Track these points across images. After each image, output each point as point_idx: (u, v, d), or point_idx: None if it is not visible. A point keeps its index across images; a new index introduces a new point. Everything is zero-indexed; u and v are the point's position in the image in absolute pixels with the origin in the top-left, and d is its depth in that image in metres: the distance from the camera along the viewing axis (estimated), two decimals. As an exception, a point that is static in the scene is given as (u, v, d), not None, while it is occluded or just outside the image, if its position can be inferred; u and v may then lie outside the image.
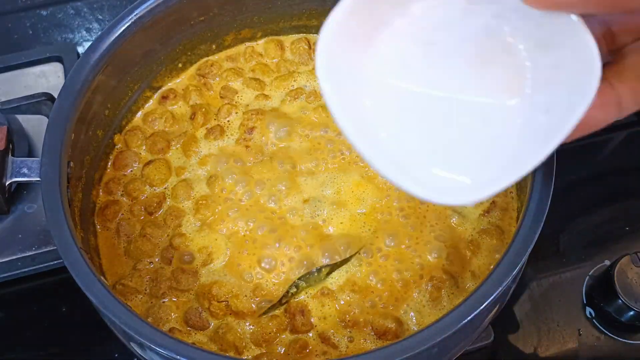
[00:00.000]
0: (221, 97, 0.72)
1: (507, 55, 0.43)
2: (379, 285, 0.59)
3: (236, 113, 0.70)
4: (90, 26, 0.94)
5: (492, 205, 0.62)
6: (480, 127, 0.43)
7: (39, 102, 0.74)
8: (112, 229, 0.64)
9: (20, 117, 0.76)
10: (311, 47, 0.75)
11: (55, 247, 0.51)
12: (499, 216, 0.62)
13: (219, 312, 0.58)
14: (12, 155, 0.59)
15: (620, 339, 0.68)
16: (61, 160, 0.55)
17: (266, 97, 0.71)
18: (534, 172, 0.52)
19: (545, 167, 0.52)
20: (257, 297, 0.59)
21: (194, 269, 0.60)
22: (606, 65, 0.41)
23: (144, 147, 0.68)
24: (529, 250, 0.49)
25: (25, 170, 0.57)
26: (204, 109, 0.69)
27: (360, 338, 0.57)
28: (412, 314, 0.57)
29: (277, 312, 0.58)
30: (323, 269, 0.59)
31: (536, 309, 0.70)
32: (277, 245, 0.61)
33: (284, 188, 0.64)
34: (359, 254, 0.60)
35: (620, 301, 0.65)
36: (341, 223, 0.62)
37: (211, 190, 0.64)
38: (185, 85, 0.73)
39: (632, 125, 0.82)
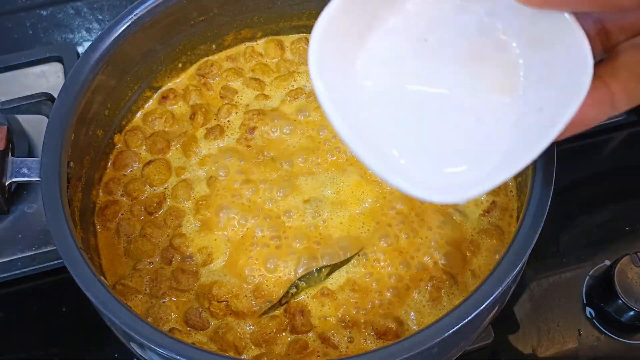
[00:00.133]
0: (221, 97, 0.72)
1: (500, 53, 0.43)
2: (378, 286, 0.59)
3: (236, 113, 0.70)
4: (90, 26, 0.94)
5: (492, 205, 0.62)
6: (473, 124, 0.43)
7: (39, 102, 0.74)
8: (112, 229, 0.64)
9: (20, 117, 0.76)
10: (311, 47, 0.75)
11: (55, 247, 0.51)
12: (499, 216, 0.62)
13: (219, 312, 0.58)
14: (12, 155, 0.59)
15: (620, 339, 0.68)
16: (61, 160, 0.55)
17: (266, 97, 0.71)
18: (534, 173, 0.52)
19: (545, 167, 0.52)
20: (257, 297, 0.59)
21: (194, 269, 0.60)
22: (600, 63, 0.41)
23: (144, 147, 0.68)
24: (529, 250, 0.49)
25: (25, 170, 0.57)
26: (204, 109, 0.69)
27: (361, 338, 0.57)
28: (412, 314, 0.57)
29: (277, 312, 0.58)
30: (323, 269, 0.59)
31: (536, 309, 0.70)
32: (277, 245, 0.61)
33: (284, 188, 0.64)
34: (359, 254, 0.60)
35: (620, 301, 0.65)
36: (341, 223, 0.62)
37: (211, 191, 0.64)
38: (185, 85, 0.73)
39: (632, 125, 0.82)
